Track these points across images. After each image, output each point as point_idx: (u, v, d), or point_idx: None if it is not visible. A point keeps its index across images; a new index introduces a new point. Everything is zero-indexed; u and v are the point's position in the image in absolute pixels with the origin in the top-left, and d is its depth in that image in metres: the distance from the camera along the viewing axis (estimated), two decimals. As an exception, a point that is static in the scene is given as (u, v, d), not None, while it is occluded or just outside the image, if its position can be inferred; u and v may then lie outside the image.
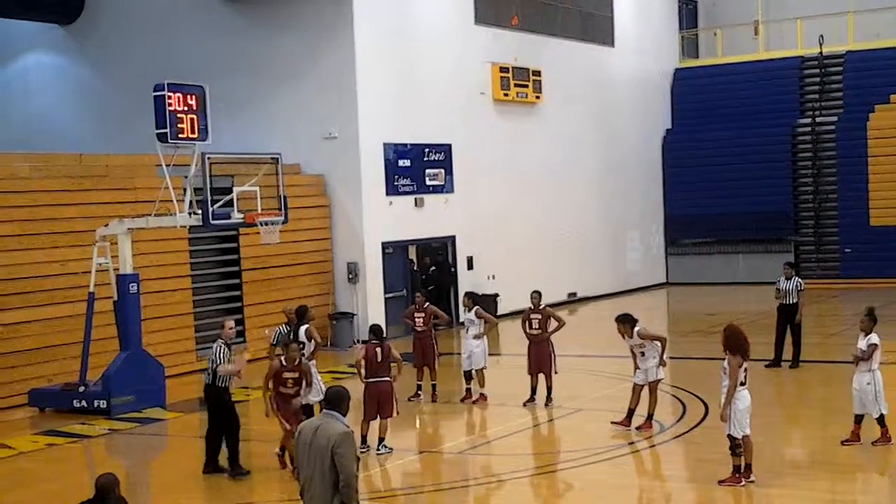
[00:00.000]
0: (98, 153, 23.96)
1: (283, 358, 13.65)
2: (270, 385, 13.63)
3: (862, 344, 13.63)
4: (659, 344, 15.06)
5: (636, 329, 15.01)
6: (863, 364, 13.56)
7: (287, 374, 13.56)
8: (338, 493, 7.76)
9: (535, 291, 17.49)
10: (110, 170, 22.18)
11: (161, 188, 18.09)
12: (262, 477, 14.21)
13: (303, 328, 15.48)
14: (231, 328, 14.15)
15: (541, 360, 17.12)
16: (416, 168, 27.07)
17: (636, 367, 15.20)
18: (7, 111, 30.73)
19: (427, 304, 18.45)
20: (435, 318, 18.47)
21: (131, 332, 18.48)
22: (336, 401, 8.04)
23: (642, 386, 15.10)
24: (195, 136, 17.92)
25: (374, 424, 14.46)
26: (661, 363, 14.99)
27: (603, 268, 34.14)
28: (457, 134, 28.29)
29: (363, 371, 14.59)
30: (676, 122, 38.07)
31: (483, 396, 17.73)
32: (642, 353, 15.06)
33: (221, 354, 13.78)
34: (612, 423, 15.34)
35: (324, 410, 8.07)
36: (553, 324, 17.26)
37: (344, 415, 8.01)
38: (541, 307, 17.35)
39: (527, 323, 17.36)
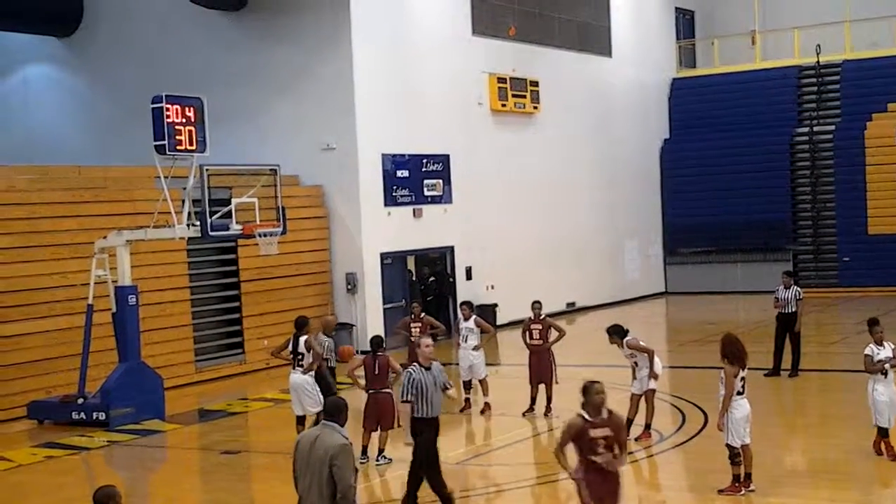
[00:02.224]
0: (96, 165, 23.99)
1: (585, 412, 9.02)
2: (571, 450, 9.06)
3: (888, 352, 13.40)
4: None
5: (626, 340, 15.02)
6: (893, 373, 13.33)
7: (596, 433, 8.91)
8: None
9: (535, 302, 17.50)
10: (109, 182, 22.20)
11: (160, 200, 18.10)
12: (262, 487, 14.22)
13: (302, 339, 15.48)
14: (428, 345, 11.80)
15: (541, 370, 17.13)
16: (414, 179, 27.10)
17: (633, 378, 15.22)
18: (5, 124, 30.76)
19: (423, 314, 18.46)
20: (432, 328, 18.48)
21: (130, 343, 18.47)
22: (334, 411, 8.06)
23: (639, 396, 15.10)
24: (193, 147, 17.95)
25: (374, 435, 14.45)
26: (652, 375, 14.96)
27: (602, 277, 34.15)
28: (455, 144, 28.33)
29: (362, 382, 14.67)
30: (674, 131, 38.12)
31: (488, 405, 17.71)
32: (635, 364, 15.08)
33: (412, 383, 11.47)
34: (610, 435, 15.29)
35: (322, 421, 8.08)
36: (553, 334, 17.27)
37: (342, 425, 8.02)
38: (541, 317, 17.36)
39: (527, 333, 17.37)
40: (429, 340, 11.86)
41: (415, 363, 11.68)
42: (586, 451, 8.91)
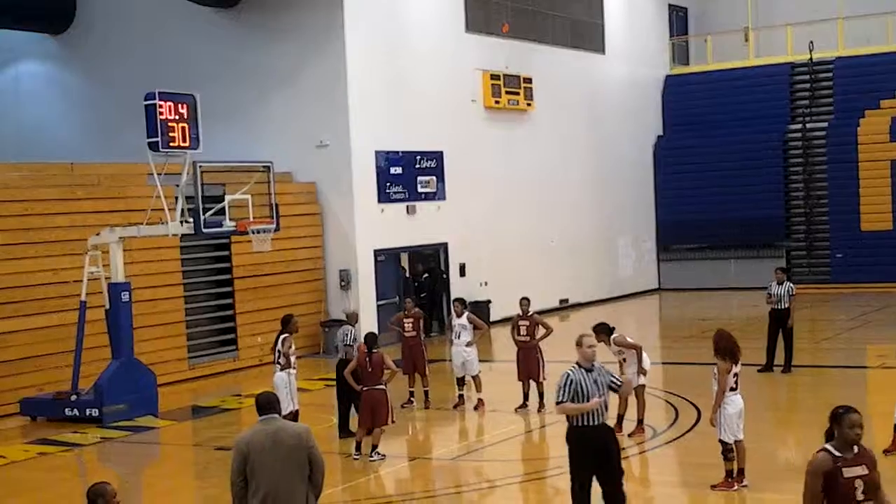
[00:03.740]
0: (89, 162, 23.93)
1: (832, 447, 7.15)
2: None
3: None
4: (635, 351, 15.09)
5: (612, 337, 15.05)
6: None
7: (851, 472, 7.05)
8: (310, 485, 8.08)
9: (523, 298, 17.53)
10: (102, 179, 22.16)
11: (153, 197, 18.08)
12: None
13: (281, 337, 15.50)
14: (591, 346, 10.35)
15: (529, 366, 17.15)
16: (407, 175, 27.09)
17: (621, 374, 15.24)
18: (-2, 121, 30.71)
19: (416, 309, 18.48)
20: (425, 322, 18.48)
21: (123, 340, 18.46)
22: (267, 405, 8.29)
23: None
24: (187, 144, 17.93)
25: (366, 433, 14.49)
26: (640, 371, 14.98)
27: (595, 274, 34.17)
28: (448, 141, 28.32)
29: (352, 379, 14.76)
30: (667, 128, 38.15)
31: (481, 402, 17.72)
32: (623, 360, 15.11)
33: (569, 384, 10.11)
34: (603, 432, 15.31)
35: (262, 416, 8.23)
36: (541, 331, 17.28)
37: (281, 415, 8.35)
38: (529, 314, 17.37)
39: (515, 329, 17.40)
40: (592, 340, 10.46)
41: (575, 363, 10.28)
42: (840, 498, 7.00)
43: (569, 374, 10.12)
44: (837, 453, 7.03)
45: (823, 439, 7.09)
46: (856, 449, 7.06)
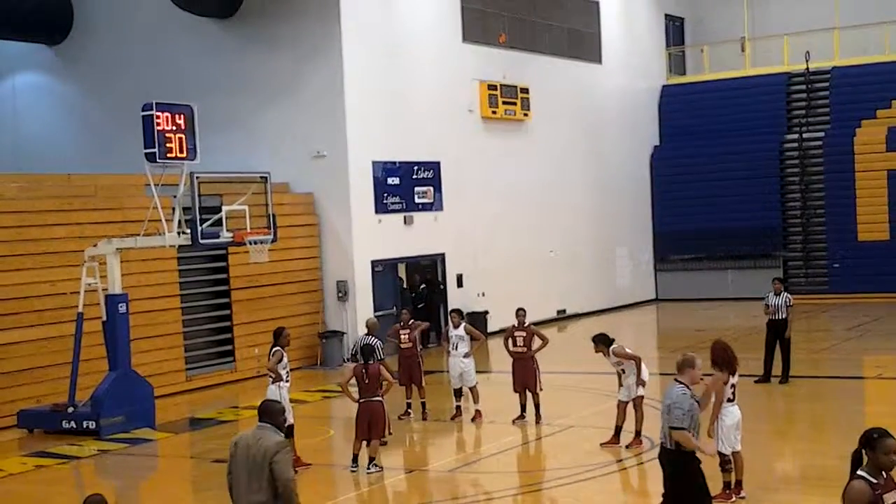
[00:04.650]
0: (87, 173, 23.93)
1: (867, 473, 6.82)
2: None
3: None
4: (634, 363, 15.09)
5: (612, 348, 15.04)
6: None
7: (890, 498, 6.84)
8: (279, 501, 8.01)
9: (520, 309, 17.49)
10: (99, 190, 22.16)
11: (150, 208, 18.07)
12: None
13: (273, 350, 15.39)
14: (698, 367, 9.87)
15: (525, 377, 17.12)
16: (405, 186, 27.10)
17: (620, 385, 15.26)
18: (-5, 132, 30.70)
19: (412, 320, 18.46)
20: (423, 333, 18.47)
21: (120, 352, 18.42)
22: (269, 413, 8.30)
23: (626, 403, 15.14)
24: (184, 155, 17.92)
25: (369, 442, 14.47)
26: (640, 382, 14.98)
27: (592, 284, 34.17)
28: (445, 151, 28.34)
29: (350, 390, 14.72)
30: (664, 138, 38.19)
31: (479, 413, 17.68)
32: (622, 371, 15.11)
33: (691, 410, 9.61)
34: (602, 444, 15.32)
35: (259, 423, 8.25)
36: (537, 342, 17.25)
37: (279, 427, 8.28)
38: (526, 324, 17.35)
39: (510, 340, 17.34)
40: (700, 362, 9.90)
41: (685, 385, 9.73)
42: None
43: (689, 399, 9.68)
44: (873, 480, 6.74)
45: (849, 462, 6.86)
46: (884, 473, 6.80)
